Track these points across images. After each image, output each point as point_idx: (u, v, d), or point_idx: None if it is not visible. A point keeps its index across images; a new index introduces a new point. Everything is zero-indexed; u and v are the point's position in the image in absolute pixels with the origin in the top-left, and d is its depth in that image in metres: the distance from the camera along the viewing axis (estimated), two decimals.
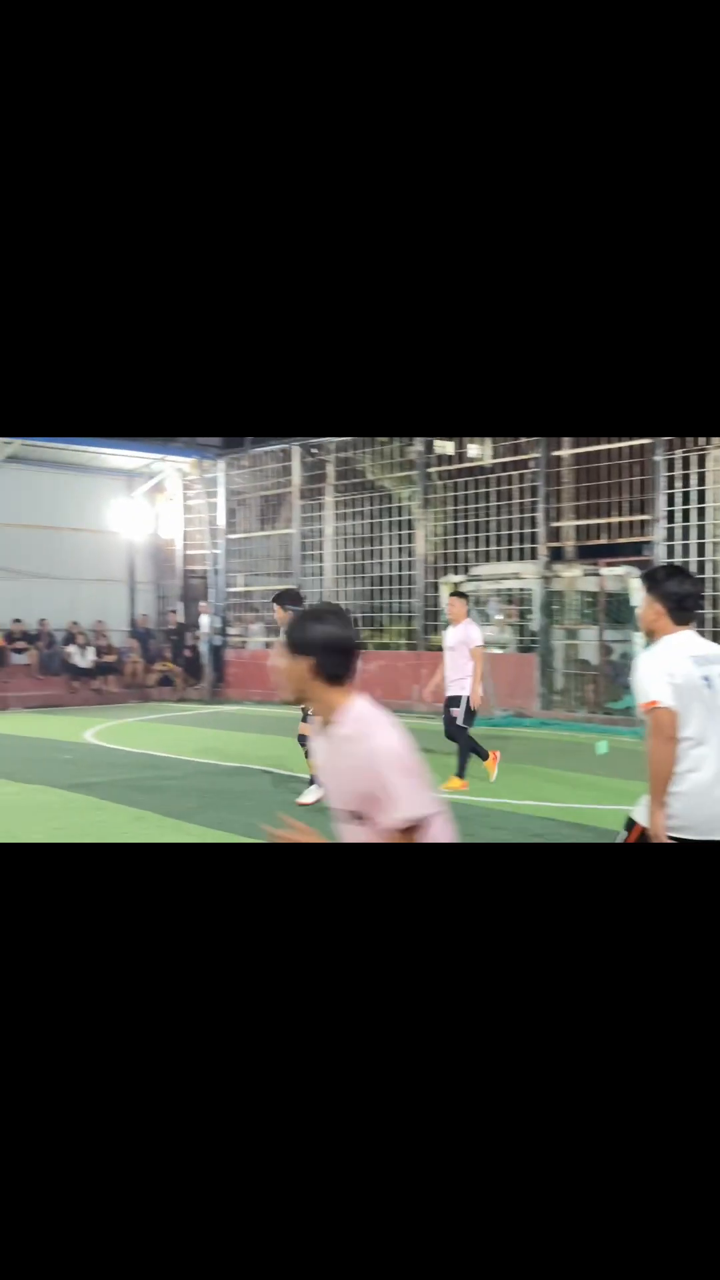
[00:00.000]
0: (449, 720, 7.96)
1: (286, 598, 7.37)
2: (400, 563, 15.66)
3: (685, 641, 3.19)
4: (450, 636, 8.03)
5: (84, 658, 16.95)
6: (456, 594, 8.45)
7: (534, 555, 13.69)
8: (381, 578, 15.98)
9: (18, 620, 16.99)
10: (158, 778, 8.74)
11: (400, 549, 15.68)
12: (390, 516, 16.02)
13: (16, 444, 16.33)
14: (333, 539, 16.79)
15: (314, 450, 16.95)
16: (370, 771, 2.08)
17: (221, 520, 18.37)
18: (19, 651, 16.84)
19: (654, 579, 3.28)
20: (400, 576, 15.59)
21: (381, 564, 16.09)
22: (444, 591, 14.05)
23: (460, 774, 7.92)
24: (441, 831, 2.17)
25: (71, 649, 16.97)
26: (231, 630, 18.07)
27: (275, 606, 7.39)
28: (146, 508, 19.17)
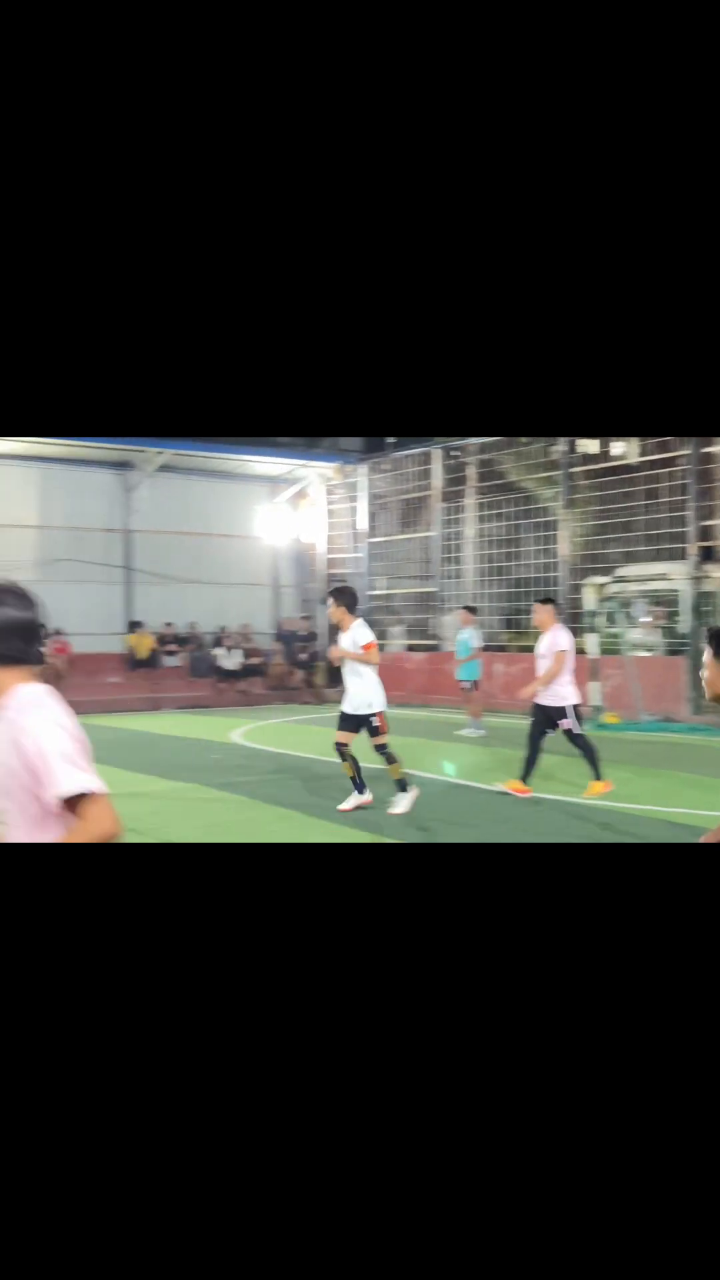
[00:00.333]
0: (538, 725, 7.76)
1: (343, 595, 7.22)
2: (543, 564, 15.45)
3: None
4: (541, 644, 7.83)
5: (231, 660, 17.45)
6: (543, 600, 8.22)
7: (683, 555, 13.27)
8: (523, 580, 15.80)
9: (169, 624, 17.66)
10: (301, 777, 8.91)
11: (543, 550, 15.47)
12: (532, 518, 15.83)
13: (168, 453, 17.00)
14: (474, 541, 16.72)
15: (455, 453, 16.92)
16: (22, 752, 1.97)
17: (363, 524, 18.58)
18: (171, 654, 17.49)
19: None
20: (543, 579, 15.37)
21: (523, 565, 15.91)
22: (588, 594, 13.80)
23: (597, 776, 7.74)
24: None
25: (219, 651, 17.50)
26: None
27: (330, 599, 7.28)
28: (290, 513, 19.58)
